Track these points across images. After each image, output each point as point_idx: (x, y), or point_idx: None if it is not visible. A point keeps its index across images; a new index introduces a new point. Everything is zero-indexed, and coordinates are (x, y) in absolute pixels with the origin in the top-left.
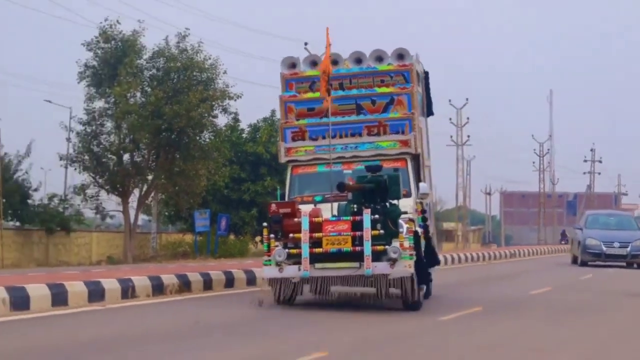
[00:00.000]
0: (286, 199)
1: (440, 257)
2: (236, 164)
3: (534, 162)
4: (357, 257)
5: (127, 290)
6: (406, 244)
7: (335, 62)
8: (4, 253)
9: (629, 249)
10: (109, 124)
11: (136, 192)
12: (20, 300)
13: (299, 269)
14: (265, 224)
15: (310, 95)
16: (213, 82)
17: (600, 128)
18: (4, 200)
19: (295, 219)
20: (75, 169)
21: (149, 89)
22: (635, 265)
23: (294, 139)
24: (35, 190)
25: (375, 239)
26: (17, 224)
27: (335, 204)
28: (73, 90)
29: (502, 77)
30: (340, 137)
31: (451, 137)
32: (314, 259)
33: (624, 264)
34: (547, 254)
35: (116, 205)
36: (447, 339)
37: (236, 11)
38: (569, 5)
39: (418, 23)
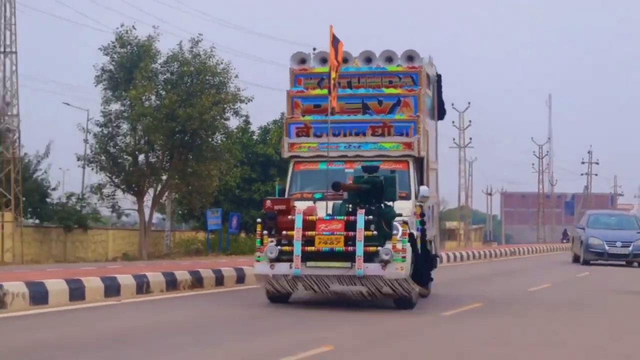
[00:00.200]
0: (286, 194)
1: (443, 254)
2: (247, 164)
3: (533, 164)
4: (349, 257)
5: (142, 286)
6: (399, 246)
7: (345, 60)
8: (24, 249)
9: (630, 248)
10: (124, 126)
11: (151, 191)
12: (39, 295)
13: (291, 267)
14: (259, 219)
15: (317, 92)
16: (225, 86)
17: (597, 131)
18: (24, 198)
19: (290, 217)
20: (93, 169)
21: (164, 92)
22: (636, 264)
23: (298, 135)
24: (54, 189)
25: (368, 240)
26: (37, 221)
27: (331, 203)
28: (90, 93)
29: (503, 81)
30: (345, 135)
31: (454, 139)
32: (306, 257)
33: (624, 262)
34: (546, 252)
35: (131, 204)
36: (449, 333)
37: (248, 17)
38: (567, 12)
39: (421, 28)
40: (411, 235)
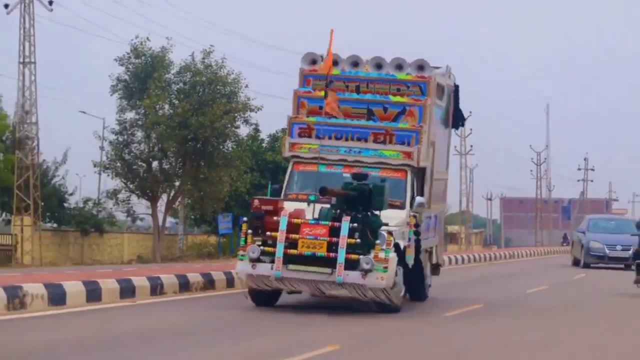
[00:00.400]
0: (282, 194)
1: (445, 257)
2: (257, 171)
3: (531, 171)
4: (331, 263)
5: (156, 288)
6: (382, 255)
7: (355, 64)
8: (43, 252)
9: (630, 251)
10: (139, 134)
11: (164, 197)
12: (57, 297)
13: (272, 268)
14: (245, 218)
15: (324, 93)
16: (236, 95)
17: (593, 138)
18: (43, 203)
19: (275, 218)
20: (108, 175)
21: (177, 102)
22: (633, 267)
23: (300, 135)
24: (71, 194)
25: (351, 248)
26: (55, 225)
27: (318, 207)
28: (106, 102)
29: (503, 91)
30: (347, 140)
31: (455, 147)
32: (289, 259)
33: (622, 266)
34: (544, 255)
35: (146, 208)
36: (450, 334)
37: (258, 29)
38: (564, 21)
39: (420, 37)
40: (397, 245)
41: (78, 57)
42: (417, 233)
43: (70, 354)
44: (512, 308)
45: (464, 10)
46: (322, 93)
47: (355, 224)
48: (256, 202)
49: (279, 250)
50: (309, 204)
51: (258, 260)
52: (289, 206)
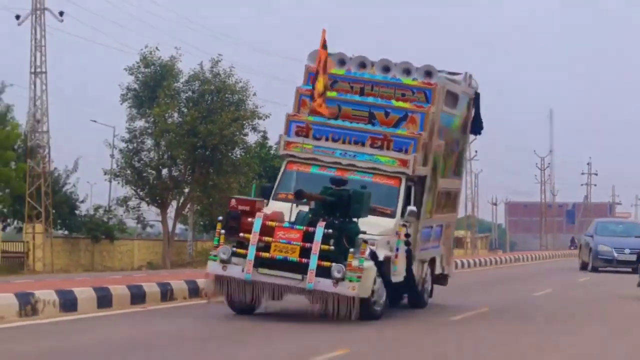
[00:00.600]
0: (272, 193)
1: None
2: (265, 177)
3: (535, 175)
4: (303, 269)
5: (166, 293)
6: (355, 264)
7: (363, 65)
8: (54, 259)
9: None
10: (149, 142)
11: (174, 203)
12: (68, 303)
13: (243, 270)
14: (220, 218)
15: (327, 93)
16: (244, 103)
17: (596, 143)
18: (54, 211)
19: (250, 219)
20: (119, 182)
21: (185, 110)
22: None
23: (297, 134)
24: (82, 202)
25: (325, 254)
26: (66, 232)
27: (296, 211)
28: (116, 111)
29: (506, 96)
30: (344, 142)
31: None
32: (261, 263)
33: (630, 269)
34: (549, 259)
35: (156, 215)
36: (458, 336)
37: (266, 38)
38: (568, 27)
39: (425, 42)
40: (373, 254)
41: (88, 66)
42: (407, 243)
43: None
44: (519, 310)
45: (466, 16)
46: (327, 93)
47: (330, 230)
48: (233, 201)
49: (251, 252)
50: (297, 205)
51: (229, 261)
52: (275, 207)
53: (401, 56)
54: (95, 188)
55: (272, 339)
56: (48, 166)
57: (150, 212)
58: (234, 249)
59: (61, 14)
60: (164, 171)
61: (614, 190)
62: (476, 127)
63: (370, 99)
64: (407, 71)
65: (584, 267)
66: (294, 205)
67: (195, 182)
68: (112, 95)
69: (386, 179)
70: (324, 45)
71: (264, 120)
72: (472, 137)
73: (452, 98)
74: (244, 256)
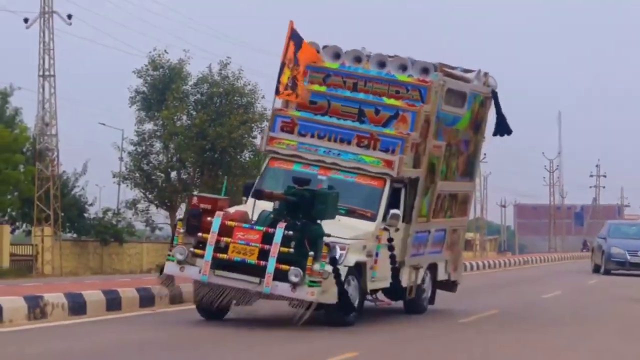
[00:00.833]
0: (252, 191)
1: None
2: None
3: (544, 177)
4: (261, 272)
5: (175, 296)
6: (316, 268)
7: (358, 60)
8: (63, 262)
9: None
10: (157, 145)
11: (183, 206)
12: (77, 306)
13: (200, 272)
14: (180, 217)
15: (316, 87)
16: (252, 106)
17: (604, 145)
18: (63, 214)
19: (209, 218)
20: (127, 185)
21: (194, 113)
22: None
23: (282, 130)
24: (91, 205)
25: (285, 257)
26: (75, 235)
27: (258, 210)
28: (124, 113)
29: (515, 98)
30: (329, 140)
31: None
32: (219, 264)
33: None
34: (557, 261)
35: (164, 218)
36: (468, 338)
37: (274, 41)
38: (576, 28)
39: (433, 43)
40: (333, 259)
41: (97, 69)
42: (391, 248)
43: None
44: (528, 313)
45: (475, 17)
46: (314, 87)
47: (291, 232)
48: (195, 199)
49: (208, 253)
50: (256, 206)
51: (186, 262)
52: (249, 206)
53: (409, 54)
54: (104, 191)
55: (279, 342)
56: (57, 169)
57: (159, 215)
58: (193, 249)
59: (69, 17)
60: (173, 174)
61: (622, 192)
62: (501, 128)
63: (361, 95)
64: (404, 67)
65: (596, 269)
66: (256, 204)
67: (204, 185)
68: (121, 98)
69: (370, 179)
70: (292, 37)
71: None
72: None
73: (457, 97)
74: (202, 257)
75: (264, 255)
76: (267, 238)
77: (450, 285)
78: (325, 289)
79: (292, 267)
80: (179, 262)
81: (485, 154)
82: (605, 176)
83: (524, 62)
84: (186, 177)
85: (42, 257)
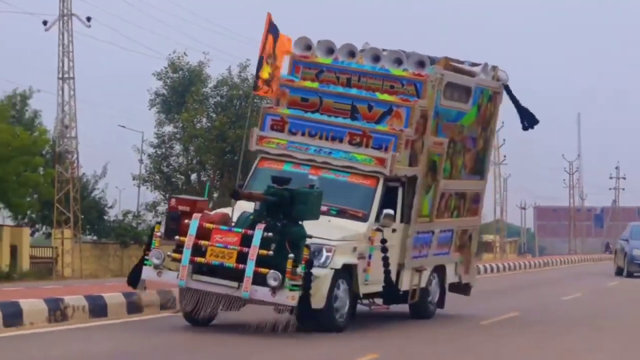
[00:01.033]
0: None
1: (480, 266)
2: None
3: (564, 179)
4: (239, 276)
5: None
6: (298, 271)
7: (352, 54)
8: (83, 264)
9: None
10: (177, 147)
11: None
12: (98, 308)
13: (178, 277)
14: (159, 220)
15: (307, 83)
16: None
17: (624, 147)
18: (83, 216)
19: (187, 221)
20: (147, 187)
21: (214, 115)
22: None
23: (272, 128)
24: (111, 207)
25: (264, 260)
26: (95, 238)
27: (238, 212)
28: (144, 116)
29: (534, 100)
30: (320, 138)
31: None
32: (198, 269)
33: None
34: (577, 263)
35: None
36: (488, 340)
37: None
38: (594, 29)
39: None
40: (310, 262)
41: (116, 71)
42: (384, 250)
43: None
44: (548, 315)
45: (492, 19)
46: (306, 83)
47: (270, 234)
48: (173, 201)
49: (185, 257)
50: (237, 207)
51: (163, 266)
52: (237, 207)
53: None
54: (124, 193)
55: (298, 345)
56: (76, 172)
57: None
58: (170, 253)
59: (88, 19)
60: (193, 176)
61: None
62: (527, 120)
63: (353, 91)
64: (399, 61)
65: (619, 272)
66: (239, 206)
67: (224, 187)
68: (140, 100)
69: (362, 178)
70: (270, 30)
71: None
72: (501, 141)
73: (461, 91)
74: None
75: (242, 258)
76: (246, 240)
77: (463, 289)
78: (311, 293)
79: (271, 271)
80: (156, 267)
81: (505, 156)
82: (624, 178)
83: (543, 63)
84: (206, 180)
85: (62, 259)
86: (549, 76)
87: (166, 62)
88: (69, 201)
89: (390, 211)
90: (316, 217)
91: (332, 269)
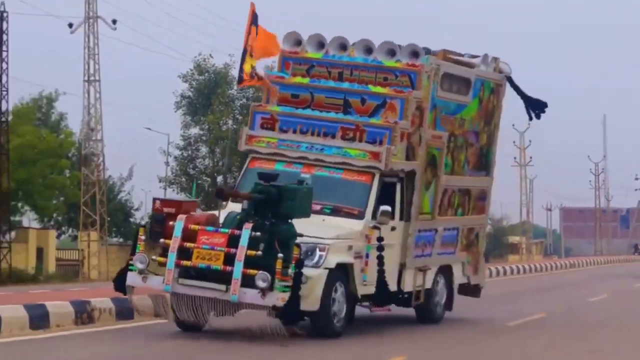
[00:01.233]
0: None
1: (507, 268)
2: None
3: (590, 181)
4: (227, 278)
5: None
6: (290, 272)
7: (343, 47)
8: (109, 267)
9: None
10: (203, 149)
11: None
12: (125, 310)
13: (163, 281)
14: (143, 222)
15: (297, 79)
16: None
17: None
18: (109, 218)
19: (172, 223)
20: (173, 189)
21: (240, 117)
22: None
23: (262, 127)
24: (137, 209)
25: (253, 261)
26: (121, 240)
27: (225, 212)
28: (170, 118)
29: (560, 101)
30: (312, 134)
31: (515, 158)
32: (185, 272)
33: None
34: (604, 264)
35: None
36: (515, 342)
37: None
38: (619, 31)
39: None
40: (300, 262)
41: (141, 73)
42: (380, 248)
43: None
44: (575, 316)
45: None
46: (296, 79)
47: (258, 233)
48: (157, 203)
49: (170, 260)
50: (223, 207)
51: (148, 271)
52: (227, 209)
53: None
54: (150, 195)
55: (327, 347)
56: (102, 174)
57: None
58: (155, 257)
59: (114, 22)
60: (219, 178)
61: None
62: (533, 109)
63: (345, 85)
64: (392, 52)
65: None
66: (228, 206)
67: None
68: (166, 102)
69: (357, 175)
70: (254, 22)
71: None
72: (527, 142)
73: (459, 83)
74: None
75: (230, 260)
76: (234, 241)
77: (472, 290)
78: (304, 293)
79: (259, 271)
80: (140, 272)
81: (531, 157)
82: None
83: (568, 65)
84: (232, 182)
85: (88, 261)
86: (574, 77)
87: (191, 64)
88: (95, 203)
89: (387, 208)
90: (307, 215)
91: (326, 268)
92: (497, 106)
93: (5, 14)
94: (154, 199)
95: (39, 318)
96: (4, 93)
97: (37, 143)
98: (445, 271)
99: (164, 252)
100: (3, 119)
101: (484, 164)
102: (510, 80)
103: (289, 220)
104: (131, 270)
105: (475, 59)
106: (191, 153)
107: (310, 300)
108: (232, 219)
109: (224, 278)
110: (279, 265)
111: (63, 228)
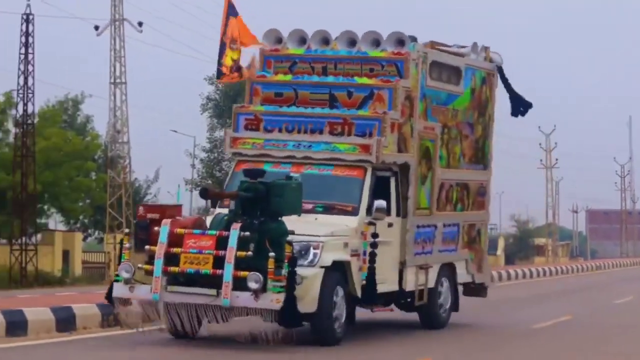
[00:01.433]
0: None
1: (533, 270)
2: None
3: (616, 183)
4: (218, 282)
5: None
6: (283, 272)
7: (326, 42)
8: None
9: None
10: None
11: None
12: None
13: (151, 290)
14: (127, 230)
15: (280, 77)
16: None
17: None
18: (135, 221)
19: (157, 228)
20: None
21: None
22: None
23: (246, 128)
24: None
25: (243, 262)
26: None
27: (214, 214)
28: (196, 120)
29: (586, 103)
30: (299, 132)
31: (541, 160)
32: (173, 279)
33: None
34: (630, 266)
35: None
36: (543, 344)
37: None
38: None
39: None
40: (293, 260)
41: (167, 75)
42: (374, 245)
43: None
44: (602, 318)
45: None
46: (278, 77)
47: (247, 233)
48: (141, 209)
49: (157, 267)
50: (211, 209)
51: (134, 281)
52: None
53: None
54: (176, 198)
55: (352, 351)
56: (129, 176)
57: None
58: (142, 265)
59: (140, 24)
60: None
61: None
62: (518, 106)
63: (330, 79)
64: (377, 42)
65: None
66: (211, 207)
67: None
68: (191, 104)
69: (347, 170)
70: (230, 13)
71: None
72: (553, 144)
73: (450, 72)
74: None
75: (219, 262)
76: (222, 243)
77: (478, 290)
78: (300, 295)
79: (251, 272)
80: (126, 282)
81: (557, 159)
82: None
83: (594, 67)
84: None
85: (114, 264)
86: (600, 79)
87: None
88: (121, 206)
89: (382, 202)
90: (297, 212)
91: (321, 267)
92: (490, 97)
93: (31, 17)
94: (138, 206)
95: (65, 321)
96: (30, 96)
97: (63, 145)
98: (448, 269)
99: (150, 259)
100: (29, 122)
101: (480, 157)
102: (500, 71)
103: (279, 218)
104: (117, 281)
105: (464, 48)
106: (217, 155)
107: (308, 302)
108: (219, 221)
109: (215, 282)
110: (271, 265)
111: (89, 230)
